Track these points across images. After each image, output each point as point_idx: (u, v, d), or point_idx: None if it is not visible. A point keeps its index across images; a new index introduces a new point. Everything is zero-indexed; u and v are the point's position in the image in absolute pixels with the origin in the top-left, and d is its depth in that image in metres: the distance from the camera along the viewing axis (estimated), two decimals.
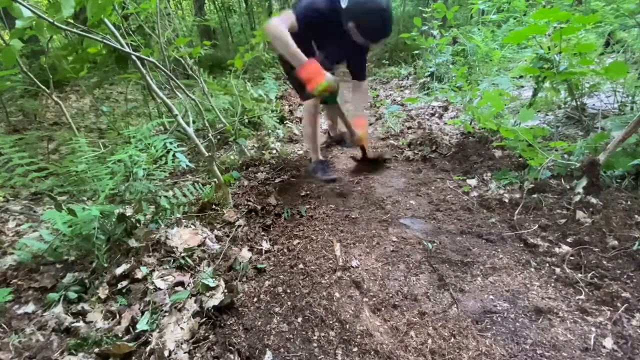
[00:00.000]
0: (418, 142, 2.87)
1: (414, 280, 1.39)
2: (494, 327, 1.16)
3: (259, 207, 1.94)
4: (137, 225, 1.58)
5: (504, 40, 3.49)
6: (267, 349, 1.12)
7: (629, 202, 1.64)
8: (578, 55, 2.17)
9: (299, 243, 1.65)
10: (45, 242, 1.43)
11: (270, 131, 3.31)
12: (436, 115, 3.54)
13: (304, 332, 1.18)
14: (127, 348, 1.08)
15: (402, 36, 4.29)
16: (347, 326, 1.17)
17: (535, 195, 1.84)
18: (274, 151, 2.97)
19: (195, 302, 1.28)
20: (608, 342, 1.07)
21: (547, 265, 1.42)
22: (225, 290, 1.34)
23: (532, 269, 1.40)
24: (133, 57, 1.64)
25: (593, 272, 1.34)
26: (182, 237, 1.59)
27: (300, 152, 2.99)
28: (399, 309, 1.26)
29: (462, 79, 3.37)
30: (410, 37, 4.09)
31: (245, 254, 1.56)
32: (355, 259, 1.51)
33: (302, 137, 3.35)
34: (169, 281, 1.36)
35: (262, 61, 5.74)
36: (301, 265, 1.49)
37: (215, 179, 1.92)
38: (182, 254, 1.49)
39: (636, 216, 1.55)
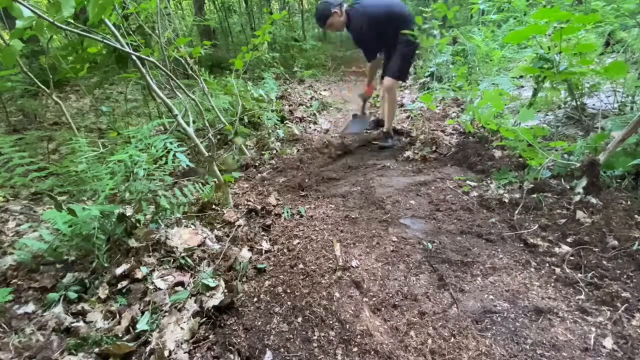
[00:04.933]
0: (418, 141, 2.87)
1: (414, 280, 1.39)
2: (494, 327, 1.16)
3: (259, 207, 1.94)
4: (137, 225, 1.58)
5: (504, 39, 3.48)
6: (267, 348, 1.12)
7: (629, 202, 1.64)
8: (578, 55, 2.17)
9: (299, 243, 1.65)
10: (45, 242, 1.43)
11: (270, 131, 3.31)
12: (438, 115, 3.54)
13: (304, 332, 1.18)
14: (127, 348, 1.08)
15: None
16: (347, 326, 1.17)
17: (535, 195, 1.84)
18: (274, 151, 2.97)
19: (195, 302, 1.28)
20: (608, 342, 1.07)
21: (547, 265, 1.42)
22: (225, 290, 1.34)
23: (532, 269, 1.40)
24: (133, 57, 1.64)
25: (593, 272, 1.34)
26: (182, 237, 1.59)
27: (301, 151, 2.99)
28: (399, 309, 1.26)
29: (462, 79, 3.36)
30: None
31: (245, 254, 1.56)
32: (355, 259, 1.51)
33: (302, 137, 3.36)
34: (169, 281, 1.36)
35: (263, 61, 5.74)
36: (301, 265, 1.49)
37: (215, 179, 1.92)
38: (182, 254, 1.49)
39: (636, 216, 1.55)
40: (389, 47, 2.79)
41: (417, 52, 2.88)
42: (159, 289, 1.32)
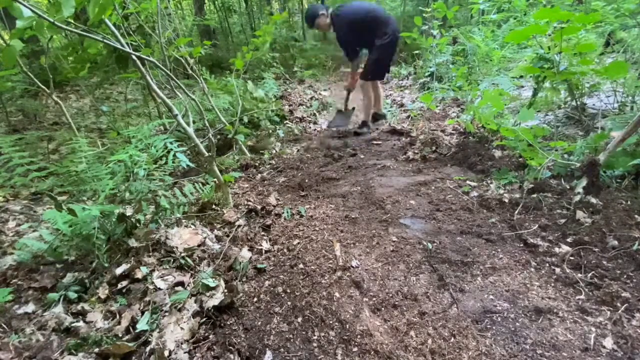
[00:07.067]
0: (418, 141, 2.87)
1: (414, 280, 1.39)
2: (494, 327, 1.16)
3: (259, 207, 1.94)
4: (137, 225, 1.58)
5: (504, 39, 3.49)
6: (267, 348, 1.12)
7: (629, 202, 1.64)
8: (578, 55, 2.17)
9: (299, 243, 1.65)
10: (45, 242, 1.44)
11: (270, 131, 3.31)
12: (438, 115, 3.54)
13: (304, 332, 1.18)
14: (127, 348, 1.08)
15: (402, 35, 4.29)
16: (347, 326, 1.17)
17: (535, 195, 1.84)
18: (274, 151, 2.97)
19: (195, 302, 1.28)
20: (608, 342, 1.07)
21: (547, 265, 1.41)
22: (225, 290, 1.34)
23: (532, 269, 1.40)
24: (133, 57, 1.65)
25: (593, 272, 1.34)
26: (182, 237, 1.59)
27: (300, 151, 2.99)
28: (399, 309, 1.26)
29: (462, 79, 3.37)
30: (410, 36, 4.09)
31: (245, 254, 1.56)
32: (355, 259, 1.51)
33: (301, 137, 3.37)
34: (169, 281, 1.36)
35: (263, 61, 5.74)
36: (301, 265, 1.49)
37: (215, 179, 1.92)
38: (182, 254, 1.49)
39: (636, 216, 1.55)
40: (369, 46, 3.19)
41: (393, 51, 3.22)
42: (159, 289, 1.32)
